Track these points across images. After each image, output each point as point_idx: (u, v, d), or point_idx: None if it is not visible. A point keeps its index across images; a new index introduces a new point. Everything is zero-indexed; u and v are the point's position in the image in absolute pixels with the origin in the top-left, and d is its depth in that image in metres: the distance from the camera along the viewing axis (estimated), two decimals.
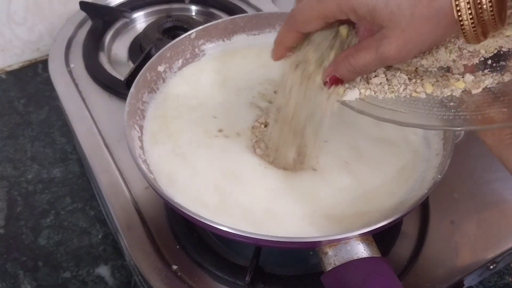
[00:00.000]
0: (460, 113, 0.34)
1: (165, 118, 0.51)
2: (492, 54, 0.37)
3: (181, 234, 0.50)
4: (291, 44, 0.39)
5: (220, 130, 0.50)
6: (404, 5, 0.30)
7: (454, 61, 0.38)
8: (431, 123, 0.34)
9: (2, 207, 0.66)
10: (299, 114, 0.42)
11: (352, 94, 0.37)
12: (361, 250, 0.37)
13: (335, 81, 0.36)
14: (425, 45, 0.32)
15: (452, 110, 0.34)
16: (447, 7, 0.29)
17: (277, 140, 0.45)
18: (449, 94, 0.36)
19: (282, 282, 0.47)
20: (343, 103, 0.37)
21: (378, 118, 0.35)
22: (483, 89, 0.35)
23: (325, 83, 0.37)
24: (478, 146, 0.59)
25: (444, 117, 0.34)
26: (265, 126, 0.50)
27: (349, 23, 0.37)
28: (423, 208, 0.53)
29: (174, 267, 0.48)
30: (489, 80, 0.35)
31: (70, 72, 0.70)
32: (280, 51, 0.40)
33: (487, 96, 0.34)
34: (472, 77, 0.36)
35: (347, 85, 0.38)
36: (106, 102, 0.65)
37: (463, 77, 0.36)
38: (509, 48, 0.37)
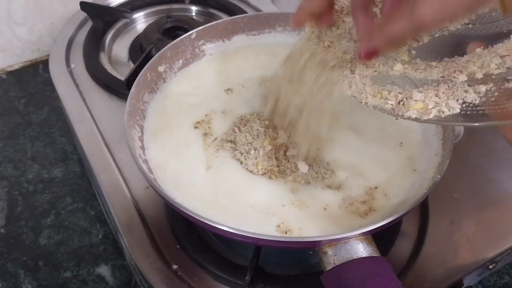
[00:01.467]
0: (478, 108, 0.33)
1: (165, 116, 0.51)
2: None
3: (181, 233, 0.50)
4: (315, 9, 0.36)
5: (220, 129, 0.50)
6: None
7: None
8: (449, 118, 0.33)
9: (3, 207, 0.66)
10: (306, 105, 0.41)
11: None
12: (361, 250, 0.37)
13: (370, 54, 0.34)
14: (461, 7, 0.29)
15: (470, 105, 0.33)
16: None
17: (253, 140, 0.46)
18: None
19: (282, 282, 0.47)
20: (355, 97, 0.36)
21: (392, 113, 0.34)
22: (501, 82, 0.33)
23: (359, 56, 0.35)
24: (477, 146, 0.60)
25: (462, 112, 0.33)
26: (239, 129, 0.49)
27: None
28: (423, 208, 0.53)
29: (174, 266, 0.48)
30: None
31: (70, 72, 0.70)
32: (301, 17, 0.37)
33: (506, 90, 0.33)
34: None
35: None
36: (107, 102, 0.65)
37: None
38: None
